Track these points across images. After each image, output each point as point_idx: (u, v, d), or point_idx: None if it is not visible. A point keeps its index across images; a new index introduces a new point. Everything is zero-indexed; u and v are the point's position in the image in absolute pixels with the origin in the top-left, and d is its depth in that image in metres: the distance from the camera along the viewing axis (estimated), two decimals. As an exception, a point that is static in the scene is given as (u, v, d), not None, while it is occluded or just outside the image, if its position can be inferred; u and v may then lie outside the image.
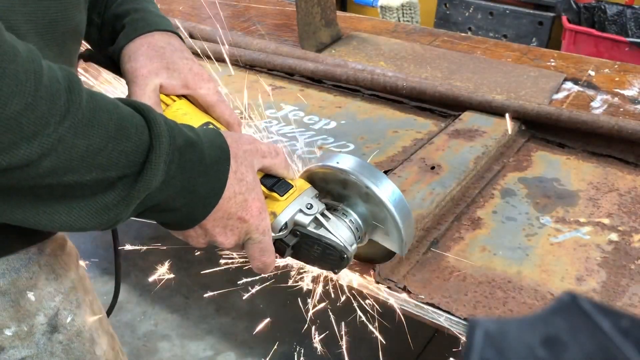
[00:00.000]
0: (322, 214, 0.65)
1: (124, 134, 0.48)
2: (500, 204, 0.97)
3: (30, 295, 0.59)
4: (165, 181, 0.51)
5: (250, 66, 1.43)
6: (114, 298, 0.79)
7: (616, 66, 1.41)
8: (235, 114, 0.71)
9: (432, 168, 1.01)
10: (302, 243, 0.65)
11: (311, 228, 0.64)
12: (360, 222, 0.67)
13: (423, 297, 0.78)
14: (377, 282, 0.80)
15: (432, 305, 0.77)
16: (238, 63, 1.43)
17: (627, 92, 1.29)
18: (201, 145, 0.55)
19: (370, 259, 0.76)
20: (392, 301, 0.80)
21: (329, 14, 1.54)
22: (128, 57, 0.68)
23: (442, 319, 0.77)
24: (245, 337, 1.80)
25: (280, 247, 0.65)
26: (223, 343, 1.78)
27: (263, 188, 0.63)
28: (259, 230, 0.60)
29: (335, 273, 0.68)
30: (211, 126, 0.66)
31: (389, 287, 0.80)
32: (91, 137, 0.46)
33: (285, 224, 0.63)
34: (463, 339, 0.71)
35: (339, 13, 1.68)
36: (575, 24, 2.44)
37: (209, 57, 1.46)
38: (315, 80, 1.35)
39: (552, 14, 2.68)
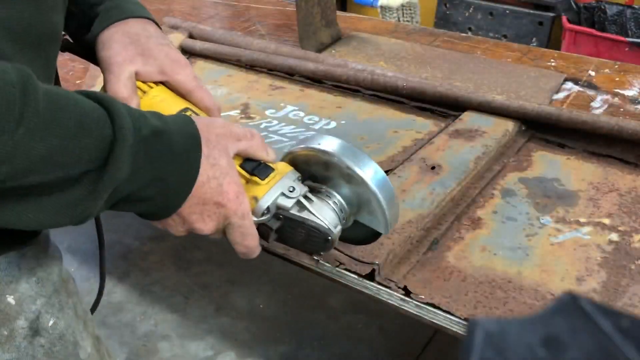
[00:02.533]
0: (305, 197, 0.65)
1: (85, 130, 0.48)
2: (501, 204, 0.97)
3: (10, 299, 0.58)
4: (133, 173, 0.51)
5: (251, 66, 1.43)
6: (99, 294, 0.79)
7: (616, 66, 1.41)
8: (214, 99, 0.70)
9: (433, 168, 1.01)
10: (286, 226, 0.65)
11: (294, 211, 0.64)
12: (344, 203, 0.66)
13: (423, 297, 0.78)
14: (377, 282, 0.80)
15: (432, 305, 0.78)
16: (238, 63, 1.43)
17: (628, 92, 1.29)
18: (169, 134, 0.54)
19: (356, 240, 0.76)
20: (392, 301, 0.80)
21: (329, 14, 1.54)
22: (102, 45, 0.67)
23: (442, 319, 0.77)
24: (245, 337, 1.80)
25: (264, 232, 0.65)
26: (223, 343, 1.78)
27: (244, 172, 0.62)
28: (238, 214, 0.60)
29: (321, 255, 0.68)
30: (189, 112, 0.66)
31: (389, 287, 0.80)
32: (50, 138, 0.45)
33: (268, 207, 0.63)
34: (463, 339, 0.71)
35: (339, 13, 1.68)
36: (575, 24, 2.44)
37: (209, 57, 1.46)
38: (315, 80, 1.35)
39: (552, 14, 2.68)
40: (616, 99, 1.26)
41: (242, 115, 1.23)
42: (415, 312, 0.79)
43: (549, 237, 0.90)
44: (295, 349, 1.75)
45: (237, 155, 0.62)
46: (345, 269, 0.81)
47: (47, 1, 0.55)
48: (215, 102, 0.71)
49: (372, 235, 0.73)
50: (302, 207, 0.64)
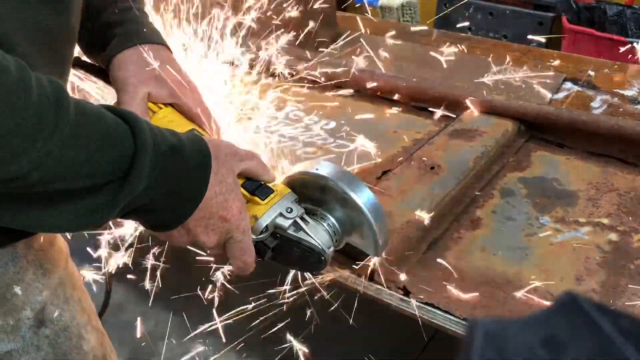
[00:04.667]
0: (302, 218, 0.68)
1: (110, 143, 0.51)
2: (500, 204, 0.97)
3: (17, 290, 0.60)
4: (149, 185, 0.54)
5: (251, 66, 1.42)
6: (105, 301, 0.81)
7: (616, 66, 1.41)
8: (217, 123, 0.76)
9: (432, 168, 1.01)
10: (282, 245, 0.68)
11: (291, 231, 0.67)
12: (337, 226, 0.70)
13: (423, 297, 0.78)
14: (377, 282, 0.80)
15: (432, 305, 0.78)
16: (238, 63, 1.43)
17: (627, 92, 1.29)
18: (184, 151, 0.57)
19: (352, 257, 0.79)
20: (392, 301, 0.80)
21: (330, 14, 1.54)
22: (119, 65, 0.71)
23: (442, 319, 0.77)
24: (245, 337, 1.80)
25: (261, 249, 0.68)
26: (223, 343, 1.78)
27: (245, 192, 0.66)
28: (240, 229, 0.63)
29: (314, 275, 0.72)
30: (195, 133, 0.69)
31: (389, 288, 0.80)
32: (78, 149, 0.49)
33: (266, 226, 0.66)
34: (463, 339, 0.71)
35: (339, 13, 1.68)
36: (575, 24, 2.44)
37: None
38: (315, 80, 1.35)
39: (552, 14, 2.68)
40: (616, 99, 1.26)
41: (242, 115, 1.23)
42: (415, 312, 0.79)
43: (549, 237, 0.90)
44: (296, 349, 1.75)
45: (240, 174, 0.65)
46: (345, 269, 0.82)
47: (63, 2, 0.57)
48: (218, 126, 0.76)
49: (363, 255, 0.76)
50: (298, 227, 0.67)
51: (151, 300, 1.96)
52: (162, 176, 0.55)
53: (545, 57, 1.47)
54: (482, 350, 0.24)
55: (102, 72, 0.74)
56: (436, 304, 0.77)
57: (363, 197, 0.67)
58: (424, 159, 1.04)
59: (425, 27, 1.79)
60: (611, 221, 0.92)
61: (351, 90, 1.31)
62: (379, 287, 0.80)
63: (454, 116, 1.19)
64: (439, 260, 0.86)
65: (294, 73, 1.37)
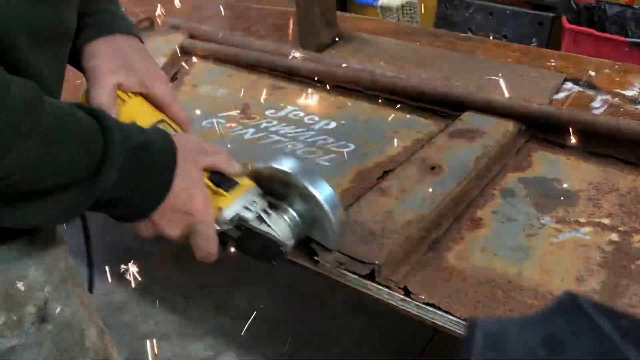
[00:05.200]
0: (264, 211, 0.71)
1: (82, 142, 0.54)
2: (501, 204, 0.97)
3: (20, 285, 0.61)
4: (118, 181, 0.57)
5: (251, 66, 1.43)
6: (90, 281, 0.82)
7: (616, 66, 1.41)
8: (187, 114, 0.77)
9: (433, 168, 1.01)
10: (244, 237, 0.71)
11: (254, 223, 0.70)
12: (298, 219, 0.73)
13: (423, 297, 0.78)
14: (377, 282, 0.80)
15: (432, 305, 0.78)
16: (238, 63, 1.43)
17: (628, 93, 1.29)
18: (152, 147, 0.60)
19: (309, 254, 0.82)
20: (392, 301, 0.80)
21: (329, 14, 1.54)
22: (88, 55, 0.71)
23: (442, 319, 0.77)
24: (245, 337, 1.80)
25: (225, 240, 0.71)
26: (223, 343, 1.78)
27: (210, 184, 0.68)
28: (204, 222, 0.66)
29: (273, 265, 0.74)
30: (164, 124, 0.72)
31: (389, 287, 0.80)
32: (53, 149, 0.51)
33: (230, 219, 0.69)
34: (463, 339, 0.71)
35: (339, 13, 1.68)
36: (575, 24, 2.44)
37: (209, 58, 1.46)
38: (315, 80, 1.35)
39: (552, 14, 2.68)
40: (616, 99, 1.26)
41: (242, 116, 1.23)
42: (415, 312, 0.79)
43: (549, 237, 0.90)
44: (295, 349, 1.75)
45: (206, 168, 0.68)
46: (345, 269, 0.82)
47: (62, 0, 0.58)
48: (188, 116, 0.77)
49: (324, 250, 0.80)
50: (261, 220, 0.70)
51: (151, 300, 1.96)
52: (130, 172, 0.58)
53: (545, 57, 1.47)
54: (482, 350, 0.24)
55: (72, 60, 0.74)
56: (436, 304, 0.77)
57: (322, 193, 0.71)
58: (425, 159, 1.04)
59: (425, 27, 1.79)
60: (612, 221, 0.92)
61: (351, 90, 1.31)
62: (379, 287, 0.80)
63: (454, 116, 1.19)
64: (439, 260, 0.86)
65: (294, 73, 1.37)
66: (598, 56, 1.57)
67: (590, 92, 1.30)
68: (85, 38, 0.72)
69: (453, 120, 1.18)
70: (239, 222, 0.70)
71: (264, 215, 0.70)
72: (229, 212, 0.69)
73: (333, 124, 1.19)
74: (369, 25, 1.71)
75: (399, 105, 1.25)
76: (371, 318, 1.83)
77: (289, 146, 1.12)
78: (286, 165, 0.72)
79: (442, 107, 1.22)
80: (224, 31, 1.54)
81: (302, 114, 1.23)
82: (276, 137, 1.14)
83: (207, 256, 0.69)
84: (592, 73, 1.38)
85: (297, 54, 1.39)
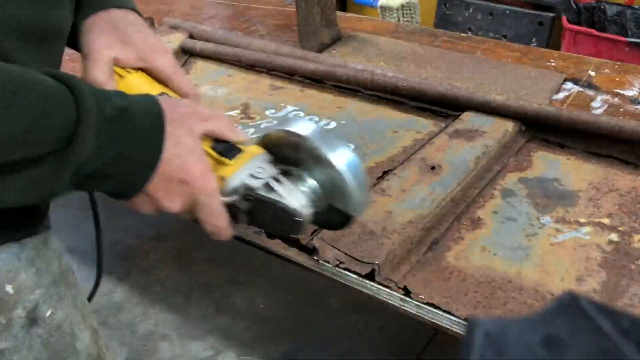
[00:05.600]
0: (275, 179, 0.64)
1: (49, 111, 0.49)
2: (501, 204, 0.97)
3: (9, 289, 0.59)
4: (95, 151, 0.52)
5: (251, 66, 1.43)
6: (96, 284, 0.79)
7: (616, 66, 1.41)
8: (192, 84, 0.71)
9: (433, 168, 1.01)
10: (255, 208, 0.64)
11: (263, 192, 0.63)
12: (317, 185, 0.66)
13: (423, 297, 0.78)
14: (377, 282, 0.81)
15: (432, 305, 0.78)
16: (238, 63, 1.43)
17: (628, 93, 1.29)
18: (133, 112, 0.55)
19: (334, 225, 0.74)
20: (392, 301, 0.80)
21: (329, 14, 1.54)
22: (85, 31, 0.68)
23: (442, 319, 0.77)
24: (245, 337, 1.80)
25: (235, 213, 0.65)
26: (223, 343, 1.78)
27: (213, 153, 0.63)
28: (205, 192, 0.60)
29: (292, 238, 0.68)
30: (165, 97, 0.66)
31: (389, 287, 0.80)
32: (12, 120, 0.46)
33: (235, 188, 0.63)
34: (463, 339, 0.71)
35: (339, 13, 1.68)
36: (575, 24, 2.44)
37: (209, 57, 1.46)
38: (315, 80, 1.35)
39: (552, 14, 2.68)
40: (616, 99, 1.26)
41: (242, 116, 1.23)
42: (415, 312, 0.79)
43: (549, 237, 0.90)
44: (295, 349, 1.75)
45: (207, 136, 0.63)
46: (345, 269, 0.82)
47: None
48: (193, 88, 0.71)
49: (347, 219, 0.71)
50: (270, 188, 0.63)
51: (151, 300, 1.97)
52: (108, 141, 0.53)
53: (545, 57, 1.47)
54: (482, 350, 0.24)
55: (73, 44, 0.71)
56: (436, 304, 0.77)
57: (341, 156, 0.64)
58: (424, 159, 1.04)
59: (425, 27, 1.79)
60: (612, 221, 0.92)
61: (351, 90, 1.31)
62: (379, 286, 0.80)
63: (454, 116, 1.19)
64: (439, 260, 0.86)
65: (294, 73, 1.37)
66: (598, 56, 1.57)
67: (590, 92, 1.30)
68: (80, 16, 0.69)
69: (453, 120, 1.18)
70: (247, 192, 0.63)
71: (274, 184, 0.63)
72: (233, 181, 0.62)
73: (333, 124, 1.19)
74: (369, 25, 1.71)
75: (398, 105, 1.25)
76: (371, 318, 1.83)
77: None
78: (300, 127, 0.64)
79: (442, 107, 1.22)
80: (224, 31, 1.54)
81: (302, 114, 1.23)
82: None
83: (217, 231, 0.64)
84: (592, 73, 1.38)
85: (297, 54, 1.39)
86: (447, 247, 0.88)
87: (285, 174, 0.66)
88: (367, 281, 0.81)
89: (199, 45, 1.47)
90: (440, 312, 0.77)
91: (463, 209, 0.96)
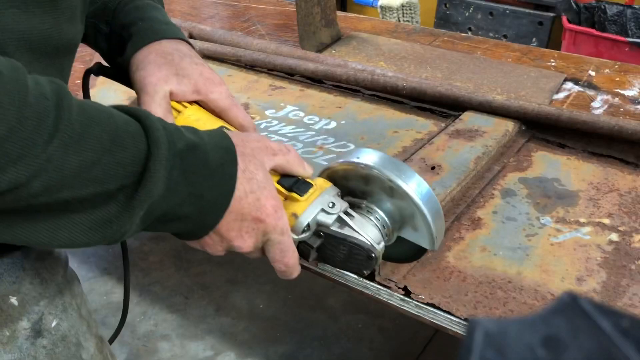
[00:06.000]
0: (346, 213, 0.62)
1: (120, 144, 0.47)
2: (501, 204, 0.97)
3: (14, 300, 0.58)
4: (168, 189, 0.50)
5: (251, 66, 1.43)
6: (123, 317, 0.79)
7: (616, 66, 1.41)
8: (249, 117, 0.70)
9: (433, 168, 1.01)
10: (326, 244, 0.63)
11: (335, 228, 0.61)
12: (386, 218, 0.64)
13: (423, 297, 0.78)
14: (377, 282, 0.80)
15: (432, 305, 0.77)
16: (238, 63, 1.43)
17: (628, 92, 1.29)
18: (204, 148, 0.53)
19: (401, 258, 0.74)
20: (392, 301, 0.80)
21: (329, 14, 1.54)
22: (136, 66, 0.67)
23: (442, 319, 0.77)
24: (245, 337, 1.80)
25: (304, 250, 0.63)
26: (223, 343, 1.78)
27: (281, 189, 0.61)
28: (277, 229, 0.58)
29: (364, 274, 0.65)
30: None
31: (389, 287, 0.80)
32: (83, 152, 0.45)
33: (308, 224, 0.61)
34: (463, 339, 0.72)
35: (339, 13, 1.68)
36: (575, 24, 2.44)
37: (208, 57, 1.46)
38: (315, 80, 1.35)
39: (552, 14, 2.68)
40: (616, 99, 1.26)
41: (242, 115, 1.23)
42: (415, 312, 0.79)
43: (549, 237, 0.89)
44: (295, 349, 1.75)
45: (274, 170, 0.61)
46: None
47: (65, 13, 0.55)
48: (250, 120, 0.70)
49: (416, 252, 0.70)
50: (343, 223, 0.61)
51: (151, 300, 1.97)
52: (181, 177, 0.50)
53: (545, 57, 1.47)
54: (482, 350, 0.24)
55: (125, 77, 0.70)
56: (436, 304, 0.77)
57: (413, 185, 0.61)
58: (424, 159, 1.04)
59: (425, 27, 1.79)
60: (612, 221, 0.92)
61: (351, 90, 1.31)
62: (378, 287, 0.80)
63: (454, 116, 1.19)
64: (439, 260, 0.85)
65: (294, 73, 1.37)
66: (598, 56, 1.57)
67: (590, 92, 1.30)
68: (131, 49, 0.68)
69: (453, 120, 1.18)
70: (318, 228, 0.61)
71: (345, 218, 0.61)
72: (305, 218, 0.60)
73: (333, 124, 1.19)
74: (369, 25, 1.71)
75: (398, 105, 1.25)
76: (371, 318, 1.83)
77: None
78: (366, 158, 0.62)
79: (442, 107, 1.22)
80: (224, 31, 1.54)
81: (302, 113, 1.23)
82: (276, 137, 1.14)
83: (287, 270, 0.61)
84: (592, 73, 1.38)
85: (297, 54, 1.39)
86: (447, 247, 0.88)
87: (353, 206, 0.64)
88: (367, 281, 0.81)
89: (198, 45, 1.46)
90: (440, 312, 0.77)
91: (463, 208, 0.96)
